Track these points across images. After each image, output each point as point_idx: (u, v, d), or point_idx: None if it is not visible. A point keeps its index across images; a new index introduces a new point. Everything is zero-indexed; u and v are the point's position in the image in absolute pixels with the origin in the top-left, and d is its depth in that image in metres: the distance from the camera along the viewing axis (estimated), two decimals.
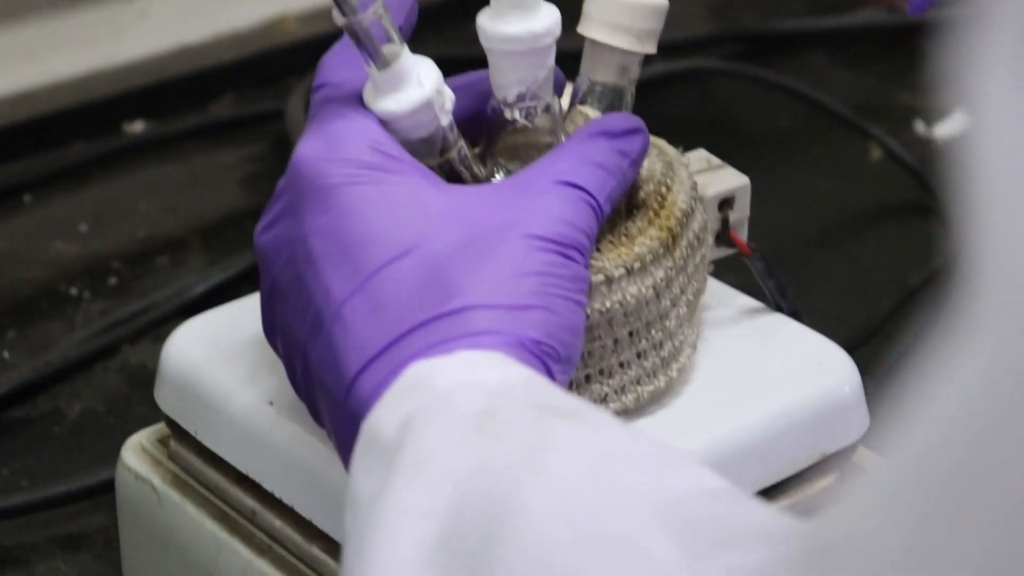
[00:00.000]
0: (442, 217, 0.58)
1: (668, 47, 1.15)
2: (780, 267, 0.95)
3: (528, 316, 0.57)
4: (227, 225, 0.99)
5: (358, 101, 0.61)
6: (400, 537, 0.49)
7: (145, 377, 0.82)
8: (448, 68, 0.64)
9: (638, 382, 0.65)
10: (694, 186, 0.68)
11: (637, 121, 0.64)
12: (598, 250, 0.63)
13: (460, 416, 0.52)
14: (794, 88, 1.05)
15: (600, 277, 0.62)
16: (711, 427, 0.65)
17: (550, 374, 0.57)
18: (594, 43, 0.65)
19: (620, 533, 0.47)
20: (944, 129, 1.05)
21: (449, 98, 0.62)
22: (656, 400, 0.66)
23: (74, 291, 0.93)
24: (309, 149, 0.59)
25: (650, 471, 0.50)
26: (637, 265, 0.63)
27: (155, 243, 0.97)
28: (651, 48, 0.66)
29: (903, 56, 1.15)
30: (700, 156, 0.72)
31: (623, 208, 0.69)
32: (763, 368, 0.68)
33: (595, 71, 0.66)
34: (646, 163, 0.68)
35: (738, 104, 1.10)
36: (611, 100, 0.66)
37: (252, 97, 1.10)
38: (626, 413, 0.65)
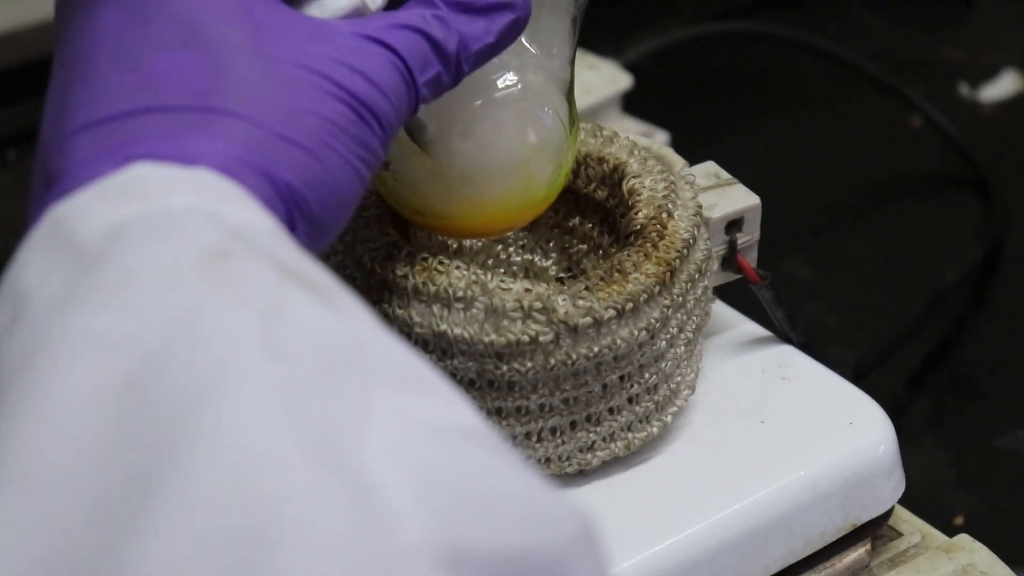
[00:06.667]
0: (246, 16, 0.49)
1: None
2: (798, 246, 0.90)
3: (291, 153, 0.48)
4: None
5: None
6: (78, 370, 0.39)
7: None
8: None
9: (629, 428, 0.59)
10: (698, 210, 0.61)
11: None
12: (587, 288, 0.57)
13: (185, 247, 0.42)
14: (827, 49, 0.98)
15: (588, 320, 0.56)
16: (721, 497, 0.59)
17: (292, 229, 0.48)
18: None
19: (349, 459, 0.38)
20: (991, 92, 0.98)
21: None
22: (650, 450, 0.60)
23: None
24: None
25: (397, 387, 0.41)
26: (629, 306, 0.57)
27: None
28: None
29: (949, 4, 1.08)
30: (708, 170, 0.65)
31: (619, 235, 0.63)
32: (781, 423, 0.62)
33: None
34: (647, 182, 0.62)
35: (771, 63, 1.03)
36: None
37: None
38: (616, 462, 0.60)
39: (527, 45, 0.58)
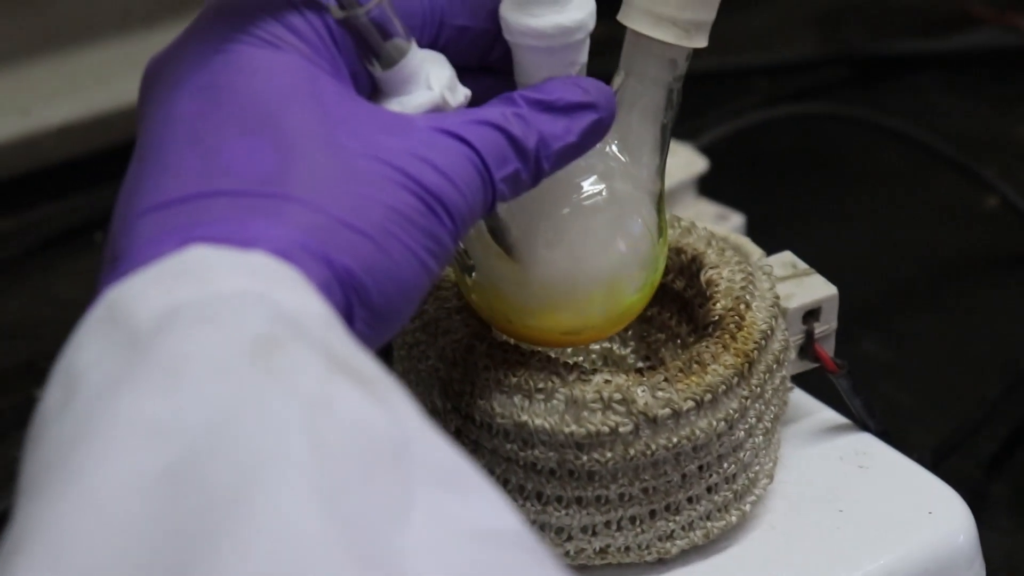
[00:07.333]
0: (319, 107, 0.50)
1: (772, 69, 1.11)
2: (875, 326, 0.90)
3: (352, 240, 0.48)
4: None
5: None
6: (124, 456, 0.40)
7: None
8: None
9: (708, 517, 0.60)
10: (776, 301, 0.62)
11: (592, 92, 0.55)
12: (666, 380, 0.57)
13: (236, 333, 0.43)
14: (901, 130, 0.98)
15: (667, 411, 0.57)
16: None
17: (350, 317, 0.49)
18: (636, 34, 0.57)
19: (387, 558, 0.39)
20: None
21: (464, 95, 0.55)
22: (729, 539, 0.61)
23: None
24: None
25: (440, 487, 0.41)
26: (708, 397, 0.58)
27: None
28: (701, 42, 0.57)
29: (1022, 82, 1.08)
30: (785, 260, 0.66)
31: (697, 325, 0.64)
32: (860, 513, 0.62)
33: (636, 66, 0.58)
34: (725, 273, 0.62)
35: (845, 143, 1.04)
36: (653, 99, 0.58)
37: None
38: (695, 551, 0.60)
39: (617, 153, 0.58)
